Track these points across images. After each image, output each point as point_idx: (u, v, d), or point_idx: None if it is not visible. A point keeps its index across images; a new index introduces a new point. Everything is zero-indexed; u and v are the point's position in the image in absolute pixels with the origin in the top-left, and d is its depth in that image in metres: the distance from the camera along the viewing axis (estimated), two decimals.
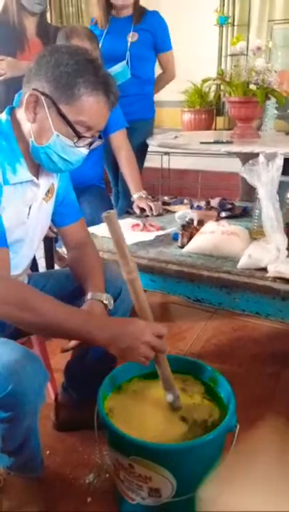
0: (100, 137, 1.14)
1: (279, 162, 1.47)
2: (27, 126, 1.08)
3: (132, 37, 2.44)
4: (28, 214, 1.17)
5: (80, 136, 1.06)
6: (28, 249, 1.24)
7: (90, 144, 1.12)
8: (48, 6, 2.35)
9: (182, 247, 1.66)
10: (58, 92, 1.03)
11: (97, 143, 1.14)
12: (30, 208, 1.17)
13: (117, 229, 0.99)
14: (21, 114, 1.09)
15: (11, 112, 1.12)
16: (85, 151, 1.13)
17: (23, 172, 1.11)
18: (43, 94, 1.03)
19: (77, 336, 1.05)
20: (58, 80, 1.02)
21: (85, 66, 1.03)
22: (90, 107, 1.04)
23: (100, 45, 2.47)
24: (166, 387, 1.13)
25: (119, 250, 1.00)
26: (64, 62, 1.02)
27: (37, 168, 1.17)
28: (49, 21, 2.45)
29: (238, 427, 1.07)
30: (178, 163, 3.93)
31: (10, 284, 1.03)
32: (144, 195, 2.18)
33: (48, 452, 1.41)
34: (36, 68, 1.05)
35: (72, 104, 1.03)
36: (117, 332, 1.00)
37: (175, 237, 1.74)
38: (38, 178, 1.17)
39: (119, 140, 2.23)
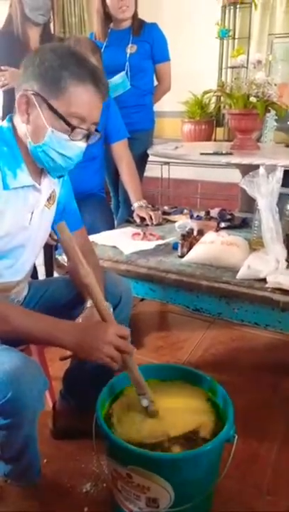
0: (97, 131, 1.14)
1: (279, 174, 1.49)
2: (23, 128, 1.09)
3: (130, 48, 2.47)
4: (30, 220, 1.18)
5: (73, 128, 1.06)
6: (29, 255, 1.24)
7: (87, 138, 1.12)
8: (52, 17, 2.36)
9: (182, 256, 1.67)
10: (46, 87, 1.04)
11: (95, 137, 1.14)
12: (32, 213, 1.18)
13: (67, 237, 1.07)
14: (17, 119, 1.10)
15: (12, 120, 1.14)
16: (82, 144, 1.12)
17: (24, 177, 1.12)
18: (32, 93, 1.05)
19: (46, 342, 1.11)
20: (44, 75, 1.04)
21: (69, 59, 1.05)
22: (79, 97, 1.05)
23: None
24: (139, 392, 1.14)
25: (74, 255, 1.07)
26: (48, 58, 1.04)
27: (39, 174, 1.18)
28: (52, 31, 2.47)
29: (236, 437, 1.07)
30: (177, 173, 3.95)
31: None
32: (144, 205, 2.19)
33: (45, 460, 1.41)
34: (24, 70, 1.07)
35: (61, 97, 1.04)
36: (81, 335, 1.05)
37: (175, 247, 1.75)
38: (39, 184, 1.18)
39: (121, 150, 2.26)
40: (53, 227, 1.34)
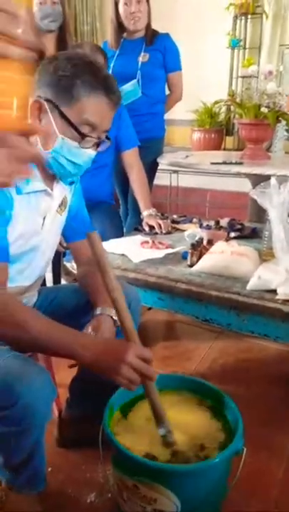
0: (108, 138, 1.15)
1: None
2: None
3: (142, 57, 2.49)
4: (43, 225, 1.18)
5: (84, 136, 1.07)
6: (40, 260, 1.25)
7: (98, 146, 1.13)
8: (66, 23, 2.38)
9: (191, 266, 1.67)
10: (58, 95, 1.05)
11: (105, 145, 1.15)
12: (44, 218, 1.18)
13: (99, 248, 1.02)
14: None
15: None
16: (92, 152, 1.13)
17: (37, 182, 1.12)
18: (45, 100, 1.06)
19: (61, 353, 1.03)
20: (57, 83, 1.05)
21: (83, 68, 1.06)
22: (91, 106, 1.06)
23: (112, 65, 2.53)
24: (157, 420, 1.08)
25: (101, 269, 1.02)
26: (62, 66, 1.05)
27: (52, 180, 1.19)
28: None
29: (245, 450, 1.06)
30: (186, 181, 3.96)
31: None
32: (153, 213, 2.20)
33: (50, 469, 1.39)
34: (38, 78, 1.08)
35: (73, 105, 1.05)
36: (99, 352, 0.99)
37: (184, 256, 1.75)
38: (52, 190, 1.18)
39: (131, 158, 2.26)
40: (63, 234, 1.35)
